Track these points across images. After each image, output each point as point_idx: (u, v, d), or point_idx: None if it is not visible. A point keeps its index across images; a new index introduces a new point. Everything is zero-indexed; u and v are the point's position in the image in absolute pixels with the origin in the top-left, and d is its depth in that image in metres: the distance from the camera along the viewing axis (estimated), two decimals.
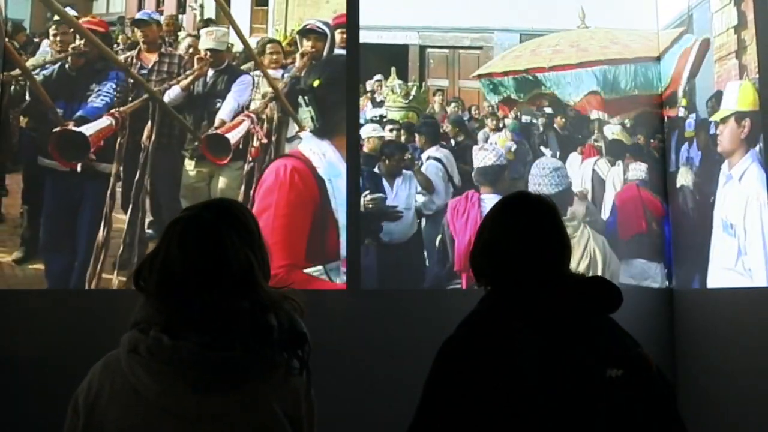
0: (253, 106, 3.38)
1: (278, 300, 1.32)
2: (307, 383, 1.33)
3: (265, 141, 3.32)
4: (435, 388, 1.37)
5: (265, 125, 3.35)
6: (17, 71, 3.20)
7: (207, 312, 1.26)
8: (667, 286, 3.27)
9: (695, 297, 3.09)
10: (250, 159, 3.31)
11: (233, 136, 3.32)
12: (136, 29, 3.40)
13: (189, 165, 3.31)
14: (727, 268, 2.88)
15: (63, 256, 3.15)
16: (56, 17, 3.33)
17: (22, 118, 3.22)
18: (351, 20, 3.34)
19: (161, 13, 3.48)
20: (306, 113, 3.33)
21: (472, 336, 1.38)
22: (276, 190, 3.23)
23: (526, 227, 1.44)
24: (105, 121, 3.24)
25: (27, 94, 3.24)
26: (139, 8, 3.48)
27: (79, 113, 3.26)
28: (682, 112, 3.32)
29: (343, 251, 3.17)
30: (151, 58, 3.41)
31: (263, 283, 1.34)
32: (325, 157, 3.29)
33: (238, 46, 3.46)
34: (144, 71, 3.37)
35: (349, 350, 2.81)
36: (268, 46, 3.46)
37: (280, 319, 1.30)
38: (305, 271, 3.14)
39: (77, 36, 3.29)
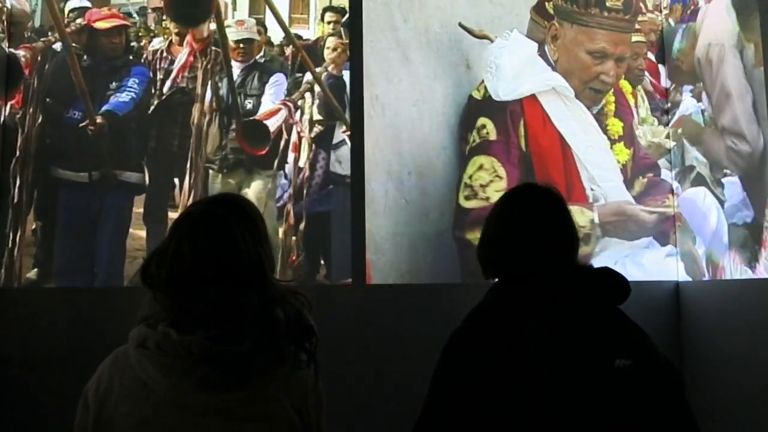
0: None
1: (285, 294, 1.32)
2: (315, 376, 1.34)
3: (304, 135, 3.17)
4: (443, 380, 1.37)
5: (305, 118, 3.20)
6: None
7: (215, 306, 1.26)
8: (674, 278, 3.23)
9: (702, 288, 3.06)
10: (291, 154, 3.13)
11: (272, 124, 3.17)
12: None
13: (215, 178, 3.15)
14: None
15: (81, 278, 2.96)
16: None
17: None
18: (354, 18, 3.22)
19: None
20: None
21: (479, 328, 1.38)
22: None
23: (533, 219, 1.44)
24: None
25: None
26: None
27: (105, 107, 3.10)
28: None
29: None
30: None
31: (271, 277, 1.35)
32: None
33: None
34: (174, 66, 3.20)
35: (355, 345, 2.79)
36: (327, 15, 3.29)
37: (287, 312, 1.30)
38: None
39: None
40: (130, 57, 3.20)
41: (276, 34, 3.34)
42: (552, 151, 3.26)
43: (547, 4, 3.34)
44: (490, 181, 3.18)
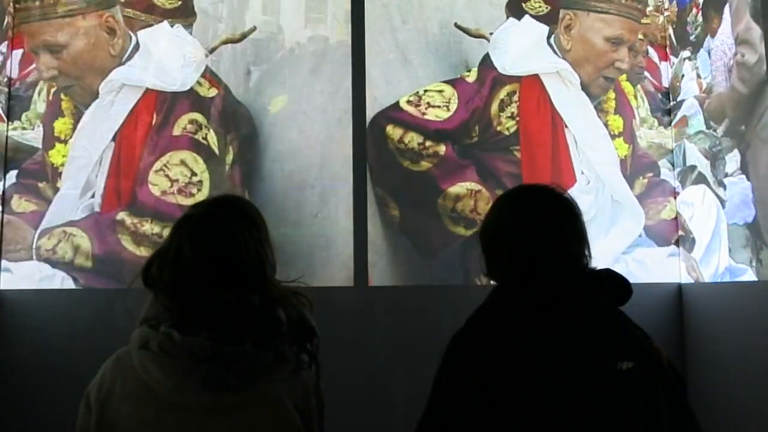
0: None
1: (287, 295, 1.33)
2: (316, 376, 1.35)
3: None
4: (446, 381, 1.36)
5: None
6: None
7: (217, 307, 1.27)
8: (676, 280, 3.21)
9: (705, 290, 3.03)
10: None
11: None
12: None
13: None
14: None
15: None
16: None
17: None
18: (356, 20, 3.20)
19: None
20: None
21: (482, 329, 1.36)
22: None
23: (536, 219, 1.43)
24: None
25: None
26: None
27: None
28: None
29: None
30: None
31: (272, 278, 1.35)
32: None
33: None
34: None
35: (357, 347, 2.79)
36: None
37: (288, 313, 1.31)
38: None
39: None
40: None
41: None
42: (541, 136, 3.28)
43: (524, 4, 3.36)
44: (437, 106, 3.23)
